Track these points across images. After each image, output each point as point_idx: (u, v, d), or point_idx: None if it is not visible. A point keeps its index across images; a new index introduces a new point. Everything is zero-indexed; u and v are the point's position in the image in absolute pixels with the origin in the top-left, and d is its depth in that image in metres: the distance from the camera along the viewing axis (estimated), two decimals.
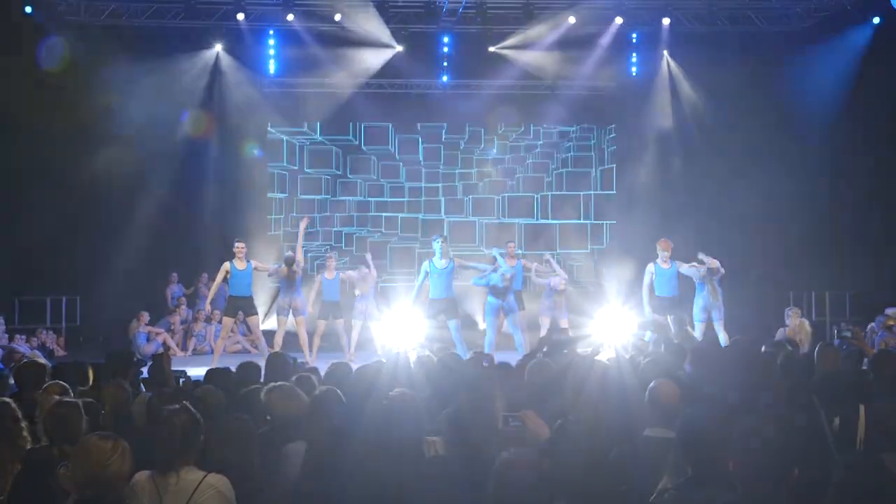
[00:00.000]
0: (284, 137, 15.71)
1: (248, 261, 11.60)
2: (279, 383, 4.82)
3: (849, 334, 7.04)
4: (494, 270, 11.56)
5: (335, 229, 15.75)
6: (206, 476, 3.60)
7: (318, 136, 15.81)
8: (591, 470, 3.60)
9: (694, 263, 11.40)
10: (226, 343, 12.36)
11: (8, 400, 4.23)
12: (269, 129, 15.60)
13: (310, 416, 4.47)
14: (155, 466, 3.67)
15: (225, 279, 11.61)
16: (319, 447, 4.02)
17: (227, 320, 11.85)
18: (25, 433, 4.08)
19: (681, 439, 3.21)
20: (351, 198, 15.84)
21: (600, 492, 3.54)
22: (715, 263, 11.10)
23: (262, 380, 5.93)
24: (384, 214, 15.93)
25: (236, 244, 11.62)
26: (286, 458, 4.35)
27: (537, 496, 3.16)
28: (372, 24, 14.17)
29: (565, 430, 3.71)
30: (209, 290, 14.71)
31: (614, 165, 16.00)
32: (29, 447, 4.08)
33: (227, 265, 11.55)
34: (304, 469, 4.09)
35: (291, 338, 11.91)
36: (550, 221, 16.09)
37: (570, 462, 3.47)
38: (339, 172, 15.83)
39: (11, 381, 6.39)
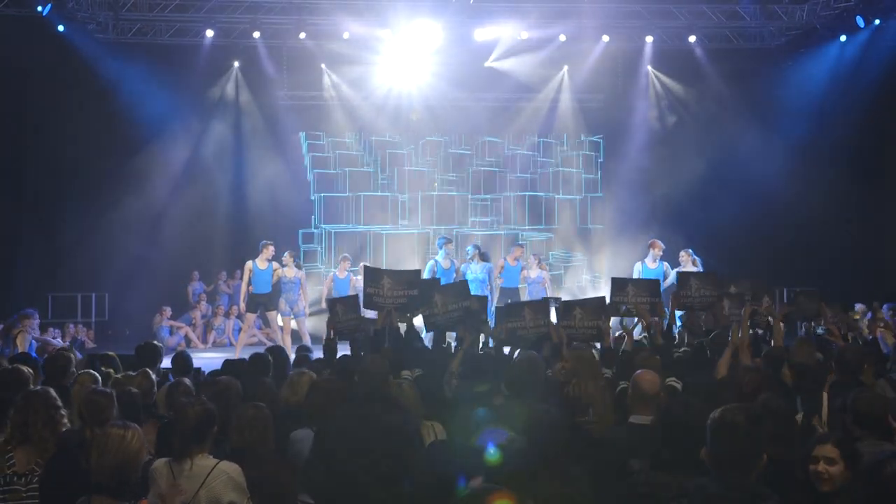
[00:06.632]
0: (298, 146, 15.69)
1: (270, 262, 11.58)
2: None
3: (821, 331, 7.06)
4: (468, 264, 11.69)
5: (341, 229, 15.73)
6: (218, 463, 3.61)
7: (328, 145, 15.79)
8: (573, 453, 3.60)
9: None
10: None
11: (49, 389, 4.27)
12: (283, 137, 15.58)
13: (315, 404, 4.49)
14: (172, 453, 3.70)
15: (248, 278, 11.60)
16: (326, 434, 4.03)
17: (249, 316, 11.86)
18: (66, 420, 4.13)
19: (661, 426, 3.22)
20: (360, 197, 15.84)
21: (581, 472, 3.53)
22: None
23: (271, 370, 5.96)
24: (387, 219, 15.88)
25: (269, 246, 11.59)
26: (294, 444, 4.38)
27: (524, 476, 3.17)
28: (377, 41, 14.22)
29: (549, 415, 3.70)
30: (227, 286, 14.83)
31: (601, 176, 15.99)
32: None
33: (249, 264, 11.55)
34: (312, 454, 4.11)
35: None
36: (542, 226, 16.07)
37: (553, 446, 3.46)
38: (347, 179, 15.81)
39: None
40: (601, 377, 4.86)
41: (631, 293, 6.57)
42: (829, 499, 3.23)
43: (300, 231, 15.47)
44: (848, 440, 3.43)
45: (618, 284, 6.70)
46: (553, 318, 6.88)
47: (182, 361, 6.37)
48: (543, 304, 6.78)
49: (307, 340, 11.64)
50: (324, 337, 6.79)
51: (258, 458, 3.73)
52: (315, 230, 15.63)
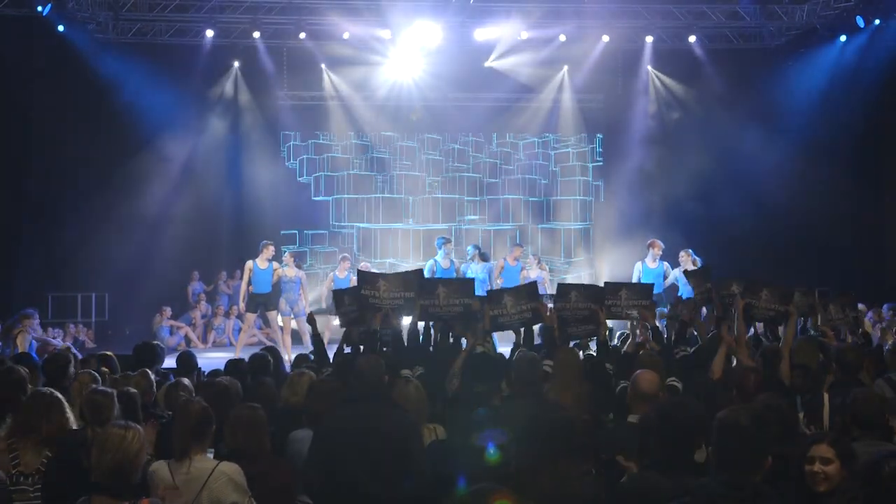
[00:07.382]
0: (298, 147, 15.70)
1: (270, 262, 11.58)
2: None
3: (812, 332, 7.05)
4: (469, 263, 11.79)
5: (338, 229, 15.74)
6: (218, 464, 3.62)
7: (329, 145, 15.79)
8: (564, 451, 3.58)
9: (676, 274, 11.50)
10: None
11: (52, 390, 4.29)
12: (283, 137, 15.61)
13: (314, 404, 4.50)
14: (171, 454, 3.71)
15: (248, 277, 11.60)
16: (324, 435, 4.04)
17: (249, 315, 11.87)
18: (72, 420, 4.15)
19: (655, 426, 3.22)
20: (360, 197, 15.84)
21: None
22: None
23: (270, 370, 5.97)
24: (388, 219, 15.89)
25: (269, 246, 11.59)
26: (293, 444, 4.39)
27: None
28: (377, 42, 14.24)
29: (549, 415, 3.70)
30: (227, 286, 14.84)
31: (601, 176, 16.00)
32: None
33: (249, 263, 11.55)
34: (310, 454, 4.11)
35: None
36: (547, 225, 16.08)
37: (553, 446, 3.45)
38: (347, 179, 15.81)
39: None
40: (579, 382, 4.83)
41: (624, 297, 6.53)
42: (825, 499, 3.23)
43: (298, 231, 15.49)
44: (843, 439, 3.44)
45: (611, 288, 6.66)
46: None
47: (187, 361, 6.39)
48: (526, 287, 6.65)
49: (307, 341, 11.65)
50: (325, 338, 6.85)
51: (252, 459, 3.74)
52: (322, 231, 15.64)
